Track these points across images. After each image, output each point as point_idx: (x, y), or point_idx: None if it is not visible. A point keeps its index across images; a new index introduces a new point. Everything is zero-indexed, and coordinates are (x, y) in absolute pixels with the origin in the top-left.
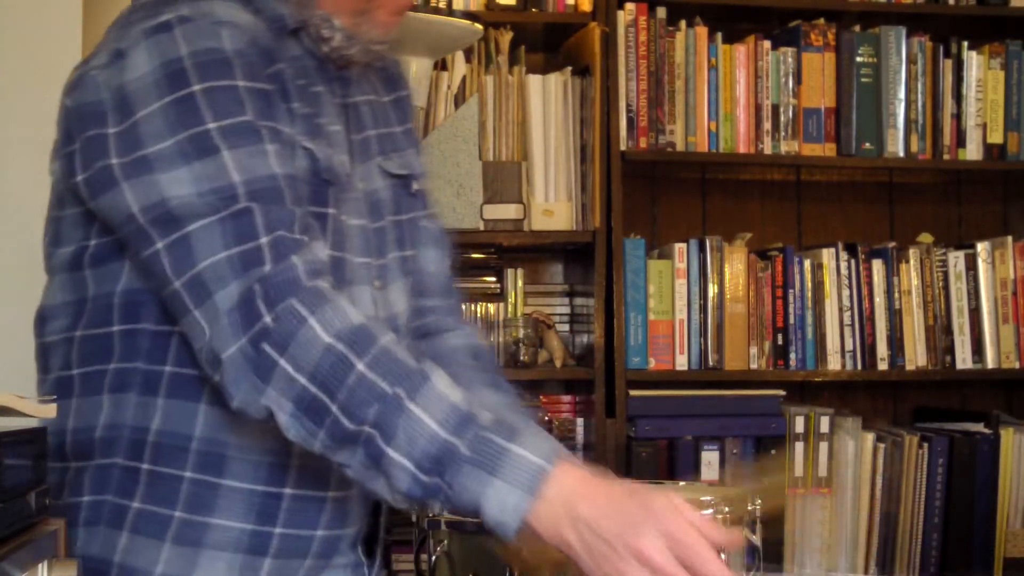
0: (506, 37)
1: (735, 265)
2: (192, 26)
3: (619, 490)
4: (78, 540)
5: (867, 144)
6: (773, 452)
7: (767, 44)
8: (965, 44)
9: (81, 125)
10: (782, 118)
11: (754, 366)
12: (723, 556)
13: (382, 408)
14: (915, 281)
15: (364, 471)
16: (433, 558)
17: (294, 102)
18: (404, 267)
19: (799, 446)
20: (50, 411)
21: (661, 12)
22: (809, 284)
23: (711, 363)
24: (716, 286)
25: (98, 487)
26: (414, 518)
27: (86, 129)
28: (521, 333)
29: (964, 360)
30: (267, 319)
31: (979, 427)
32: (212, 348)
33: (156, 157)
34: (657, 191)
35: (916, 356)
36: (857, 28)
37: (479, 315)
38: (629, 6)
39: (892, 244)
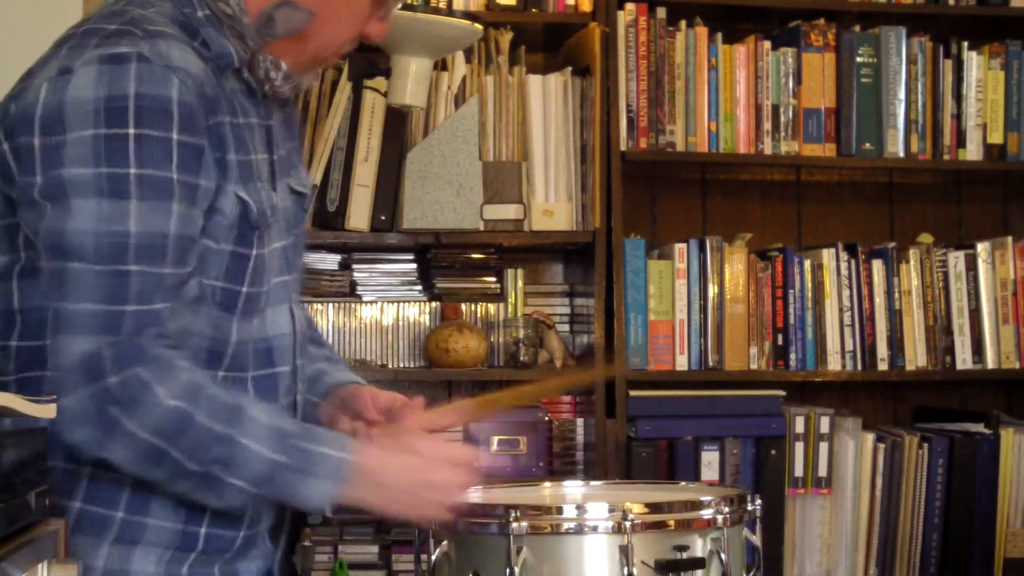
0: (506, 37)
1: (735, 265)
2: (147, 67)
3: (397, 453)
4: None
5: (867, 144)
6: (774, 452)
7: (767, 44)
8: (965, 44)
9: (14, 129)
10: (782, 118)
11: (754, 366)
12: (724, 558)
13: (222, 451)
14: (915, 281)
15: (200, 493)
16: (433, 558)
17: (229, 153)
18: (298, 285)
19: (799, 446)
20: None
21: (661, 12)
22: (809, 284)
23: (711, 363)
24: (716, 286)
25: None
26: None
27: (16, 135)
28: (521, 333)
29: (964, 360)
30: (111, 380)
31: (979, 427)
32: (54, 382)
33: (72, 182)
34: (657, 191)
35: (916, 356)
36: (857, 28)
37: (479, 315)
38: (629, 6)
39: (892, 244)
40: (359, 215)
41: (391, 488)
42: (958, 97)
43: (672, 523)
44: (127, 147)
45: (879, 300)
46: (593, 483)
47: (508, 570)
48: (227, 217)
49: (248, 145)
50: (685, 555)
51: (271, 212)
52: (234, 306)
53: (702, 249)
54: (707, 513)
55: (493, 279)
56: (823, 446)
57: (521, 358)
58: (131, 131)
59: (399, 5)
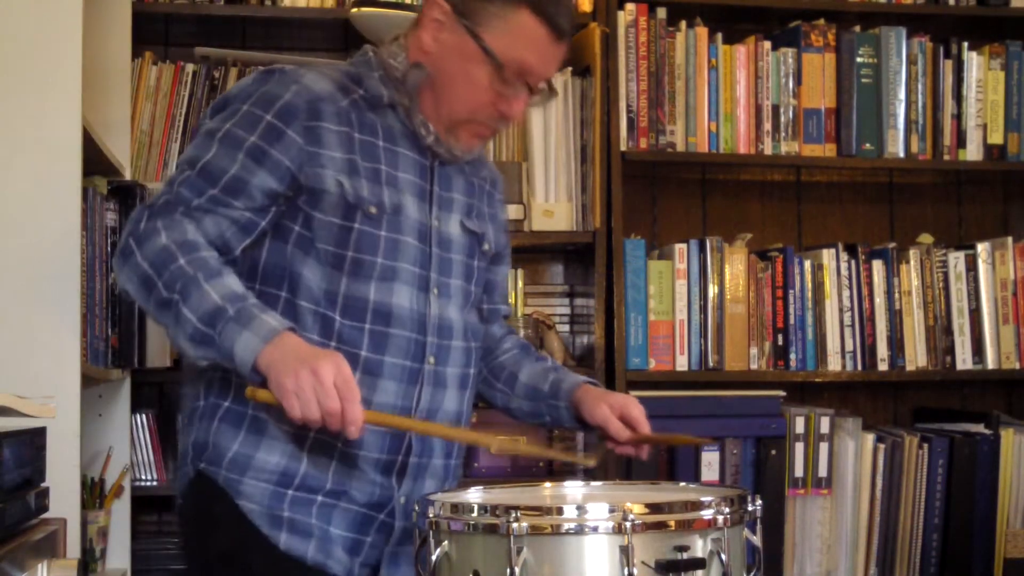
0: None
1: (735, 265)
2: (279, 76)
3: (321, 357)
4: (190, 433)
5: (867, 144)
6: (774, 452)
7: (767, 44)
8: (965, 44)
9: None
10: (782, 118)
11: (754, 366)
12: (724, 558)
13: (185, 283)
14: (915, 281)
15: (172, 327)
16: (433, 558)
17: (326, 149)
18: (465, 294)
19: (799, 446)
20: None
21: (661, 12)
22: (809, 284)
23: (711, 364)
24: (716, 286)
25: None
26: (414, 518)
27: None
28: (521, 333)
29: (964, 360)
30: (142, 226)
31: (979, 427)
32: None
33: (204, 127)
34: (657, 191)
35: (916, 356)
36: (857, 28)
37: None
38: (629, 6)
39: (892, 244)
40: None
41: (288, 360)
42: (958, 97)
43: (672, 523)
44: (236, 115)
45: (879, 300)
46: (593, 483)
47: (508, 570)
48: (332, 195)
49: (374, 156)
50: (685, 555)
51: (388, 207)
52: (341, 266)
53: (702, 249)
54: (707, 513)
55: None
56: (823, 446)
57: None
58: (244, 107)
59: (543, 93)
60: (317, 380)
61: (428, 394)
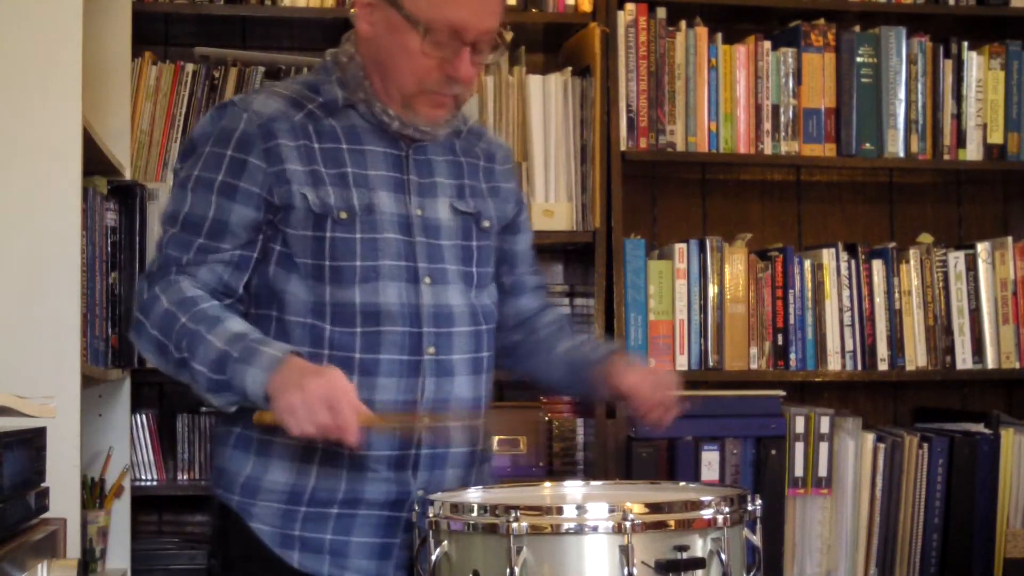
0: (506, 37)
1: (735, 265)
2: (230, 109)
3: (310, 373)
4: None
5: (867, 144)
6: (774, 452)
7: (767, 44)
8: (965, 44)
9: None
10: (782, 118)
11: (754, 366)
12: (724, 558)
13: (190, 340)
14: (915, 281)
15: (192, 384)
16: (433, 558)
17: (288, 164)
18: (467, 277)
19: (799, 446)
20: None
21: (661, 12)
22: (809, 284)
23: (711, 363)
24: (716, 286)
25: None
26: (413, 518)
27: None
28: None
29: (964, 360)
30: (145, 296)
31: (979, 427)
32: None
33: (177, 179)
34: (657, 191)
35: (916, 356)
36: (857, 28)
37: None
38: (629, 6)
39: (892, 244)
40: None
41: (287, 382)
42: (958, 97)
43: (672, 523)
44: (200, 158)
45: (879, 300)
46: (593, 483)
47: (508, 570)
48: (299, 209)
49: (338, 160)
50: (685, 555)
51: (360, 209)
52: (322, 276)
53: (702, 249)
54: (707, 513)
55: None
56: (823, 446)
57: None
58: (206, 148)
59: (491, 47)
60: (305, 396)
61: (432, 384)
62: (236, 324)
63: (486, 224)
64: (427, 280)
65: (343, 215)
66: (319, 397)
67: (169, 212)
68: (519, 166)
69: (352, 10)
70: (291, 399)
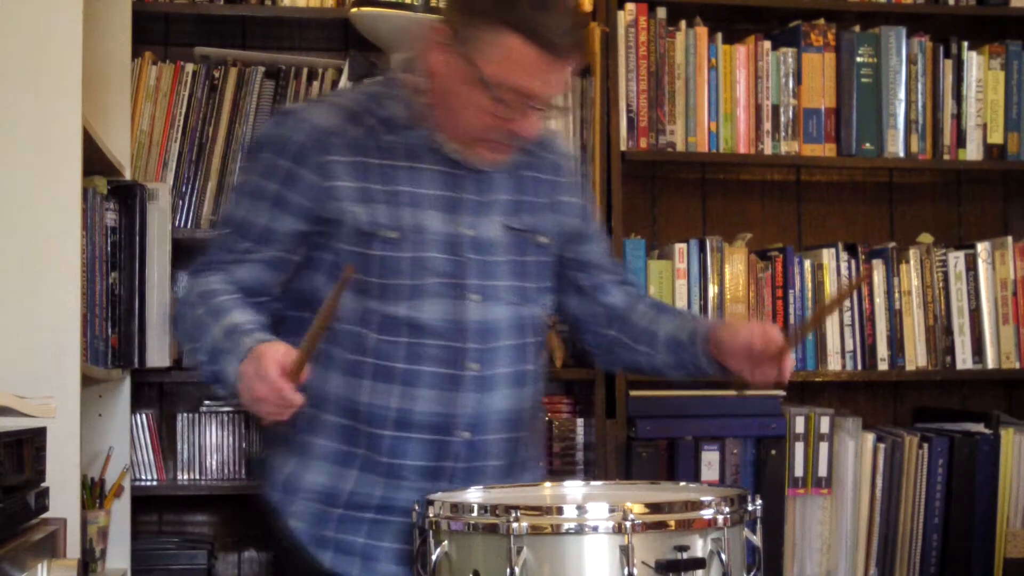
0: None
1: (735, 265)
2: (292, 118)
3: (266, 353)
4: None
5: (867, 144)
6: (774, 452)
7: (767, 44)
8: (965, 44)
9: None
10: (782, 118)
11: None
12: (724, 558)
13: (200, 330)
14: (915, 281)
15: (197, 362)
16: (433, 558)
17: (340, 180)
18: (521, 292)
19: (799, 446)
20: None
21: (661, 12)
22: (809, 284)
23: None
24: (716, 286)
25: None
26: (414, 518)
27: None
28: None
29: (964, 360)
30: (183, 289)
31: (979, 427)
32: None
33: (238, 180)
34: (657, 191)
35: (916, 356)
36: (857, 28)
37: None
38: (629, 6)
39: (892, 244)
40: None
41: (244, 370)
42: (958, 97)
43: (672, 523)
44: (258, 164)
45: (879, 300)
46: (593, 483)
47: (508, 570)
48: (348, 225)
49: (392, 178)
50: (685, 555)
51: (410, 228)
52: (369, 291)
53: (702, 249)
54: (707, 513)
55: None
56: (823, 446)
57: None
58: (264, 154)
59: (553, 109)
60: (245, 381)
61: (473, 400)
62: (238, 315)
63: (543, 240)
64: (475, 297)
65: (392, 234)
66: (252, 374)
67: (225, 214)
68: (584, 177)
69: (427, 35)
70: (245, 393)
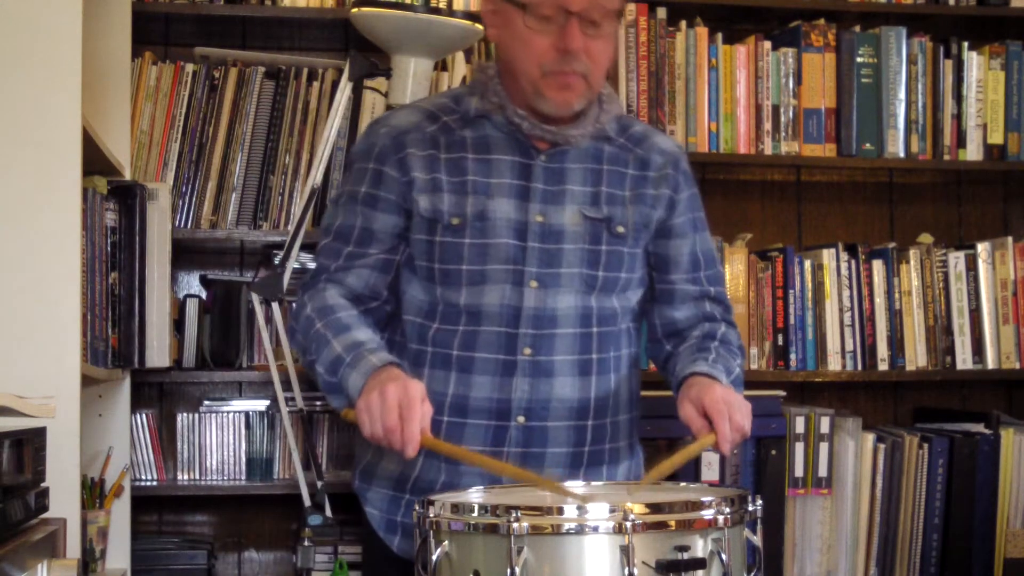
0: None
1: (735, 265)
2: (373, 126)
3: (392, 380)
4: None
5: (867, 144)
6: (774, 452)
7: (767, 44)
8: (965, 44)
9: None
10: (782, 118)
11: (754, 366)
12: (725, 558)
13: (318, 344)
14: (915, 281)
15: (314, 374)
16: (433, 558)
17: (414, 172)
18: (587, 281)
19: (799, 446)
20: (50, 411)
21: (661, 12)
22: (809, 284)
23: None
24: None
25: None
26: (415, 518)
27: None
28: None
29: (964, 360)
30: (297, 305)
31: (979, 427)
32: None
33: (333, 196)
34: None
35: (916, 356)
36: (857, 28)
37: None
38: (629, 6)
39: (892, 244)
40: None
41: (371, 385)
42: (958, 97)
43: (673, 523)
44: (352, 172)
45: (879, 300)
46: (594, 483)
47: (509, 570)
48: (417, 215)
49: (461, 169)
50: (686, 555)
51: (472, 215)
52: (433, 277)
53: None
54: (708, 513)
55: None
56: (823, 446)
57: None
58: (356, 164)
59: (602, 13)
60: (382, 399)
61: (526, 384)
62: (361, 333)
63: (620, 229)
64: (533, 284)
65: (454, 221)
66: (393, 402)
67: (324, 226)
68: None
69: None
70: (370, 399)
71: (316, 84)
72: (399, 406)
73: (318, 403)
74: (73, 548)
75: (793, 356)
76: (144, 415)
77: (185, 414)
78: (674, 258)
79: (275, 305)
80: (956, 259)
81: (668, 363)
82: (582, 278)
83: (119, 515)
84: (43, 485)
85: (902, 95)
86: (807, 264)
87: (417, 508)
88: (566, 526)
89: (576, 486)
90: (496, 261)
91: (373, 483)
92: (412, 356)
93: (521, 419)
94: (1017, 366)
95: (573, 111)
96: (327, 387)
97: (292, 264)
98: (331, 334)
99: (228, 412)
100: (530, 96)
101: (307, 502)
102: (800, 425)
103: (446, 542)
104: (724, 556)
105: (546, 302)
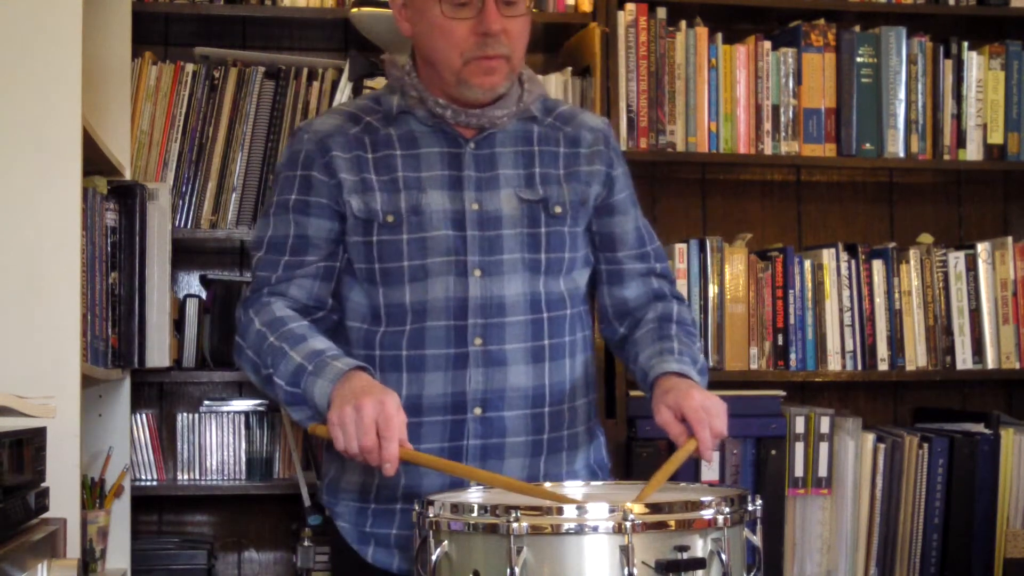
0: None
1: (735, 265)
2: (297, 134)
3: (366, 393)
4: None
5: (867, 144)
6: (774, 452)
7: (767, 44)
8: (965, 44)
9: None
10: (782, 118)
11: (754, 366)
12: (725, 558)
13: (274, 357)
14: (915, 281)
15: (278, 399)
16: (433, 558)
17: (341, 174)
18: (532, 265)
19: (799, 446)
20: (50, 411)
21: (661, 12)
22: (809, 284)
23: (711, 363)
24: (716, 286)
25: None
26: (415, 518)
27: None
28: None
29: (964, 360)
30: (242, 320)
31: (979, 427)
32: None
33: (263, 209)
34: (657, 191)
35: (916, 356)
36: (857, 28)
37: None
38: (629, 6)
39: (892, 244)
40: None
41: (343, 396)
42: (958, 97)
43: (672, 523)
44: (278, 183)
45: (879, 300)
46: (593, 483)
47: (508, 570)
48: (353, 216)
49: (390, 166)
50: (686, 555)
51: (407, 210)
52: (375, 279)
53: (702, 249)
54: (707, 513)
55: None
56: (823, 446)
57: None
58: (281, 172)
59: None
60: (358, 416)
61: (480, 375)
62: (318, 342)
63: (557, 210)
64: (477, 273)
65: (389, 218)
66: (370, 420)
67: (255, 239)
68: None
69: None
70: (343, 414)
71: (316, 84)
72: (376, 424)
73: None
74: (73, 548)
75: (793, 356)
76: (144, 415)
77: (185, 414)
78: (619, 235)
79: None
80: (956, 259)
81: (626, 348)
82: (525, 263)
83: (119, 515)
84: (43, 485)
85: (902, 95)
86: (807, 264)
87: (417, 508)
88: (566, 526)
89: (576, 485)
90: (437, 254)
91: (340, 496)
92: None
93: (478, 411)
94: (1017, 366)
95: (497, 94)
96: (289, 399)
97: None
98: (287, 345)
99: (228, 412)
100: (452, 86)
101: (307, 502)
102: (800, 425)
103: (445, 542)
104: (724, 556)
105: (492, 290)
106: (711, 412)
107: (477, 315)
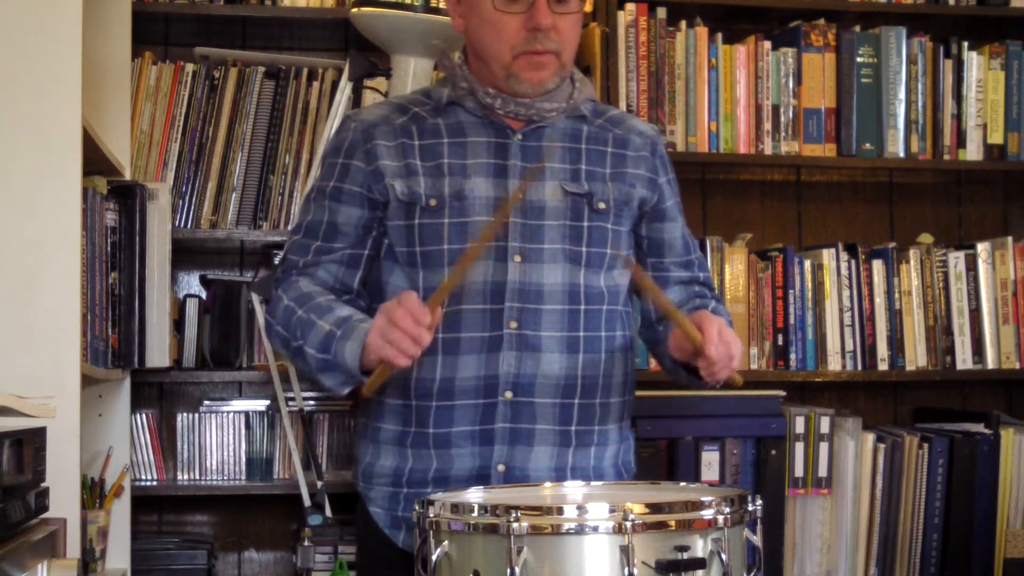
0: None
1: (735, 265)
2: (344, 122)
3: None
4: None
5: (867, 144)
6: (774, 452)
7: (767, 44)
8: (965, 44)
9: None
10: (782, 118)
11: (754, 366)
12: (725, 558)
13: (303, 329)
14: (915, 281)
15: (308, 370)
16: (433, 558)
17: (382, 160)
18: (571, 256)
19: (799, 446)
20: (50, 411)
21: (661, 12)
22: (809, 284)
23: None
24: (716, 286)
25: None
26: (415, 518)
27: None
28: None
29: (964, 360)
30: (272, 299)
31: (979, 427)
32: None
33: (305, 194)
34: None
35: (916, 356)
36: (857, 28)
37: None
38: (629, 6)
39: (892, 244)
40: None
41: (371, 340)
42: (958, 97)
43: (673, 523)
44: (322, 169)
45: (879, 300)
46: (594, 483)
47: (508, 570)
48: (393, 201)
49: (436, 153)
50: (686, 555)
51: (449, 195)
52: (415, 262)
53: (702, 249)
54: (708, 513)
55: None
56: (823, 446)
57: None
58: (327, 159)
59: None
60: (388, 322)
61: (513, 359)
62: (344, 310)
63: (601, 205)
64: (517, 258)
65: (432, 202)
66: (384, 326)
67: (296, 223)
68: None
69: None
70: (375, 344)
71: (316, 84)
72: (390, 324)
73: (315, 402)
74: (73, 548)
75: (793, 356)
76: (144, 415)
77: (185, 414)
78: (668, 241)
79: None
80: (956, 259)
81: (662, 341)
82: (565, 254)
83: (119, 515)
84: (43, 485)
85: (902, 95)
86: (807, 264)
87: (417, 508)
88: (566, 526)
89: (576, 485)
90: (476, 239)
91: (374, 481)
92: None
93: (508, 394)
94: (1017, 366)
95: (547, 90)
96: (320, 366)
97: None
98: (315, 316)
99: (228, 412)
100: (502, 80)
101: (307, 502)
102: (800, 425)
103: (446, 542)
104: (724, 556)
105: (530, 276)
106: (726, 337)
107: (514, 299)
